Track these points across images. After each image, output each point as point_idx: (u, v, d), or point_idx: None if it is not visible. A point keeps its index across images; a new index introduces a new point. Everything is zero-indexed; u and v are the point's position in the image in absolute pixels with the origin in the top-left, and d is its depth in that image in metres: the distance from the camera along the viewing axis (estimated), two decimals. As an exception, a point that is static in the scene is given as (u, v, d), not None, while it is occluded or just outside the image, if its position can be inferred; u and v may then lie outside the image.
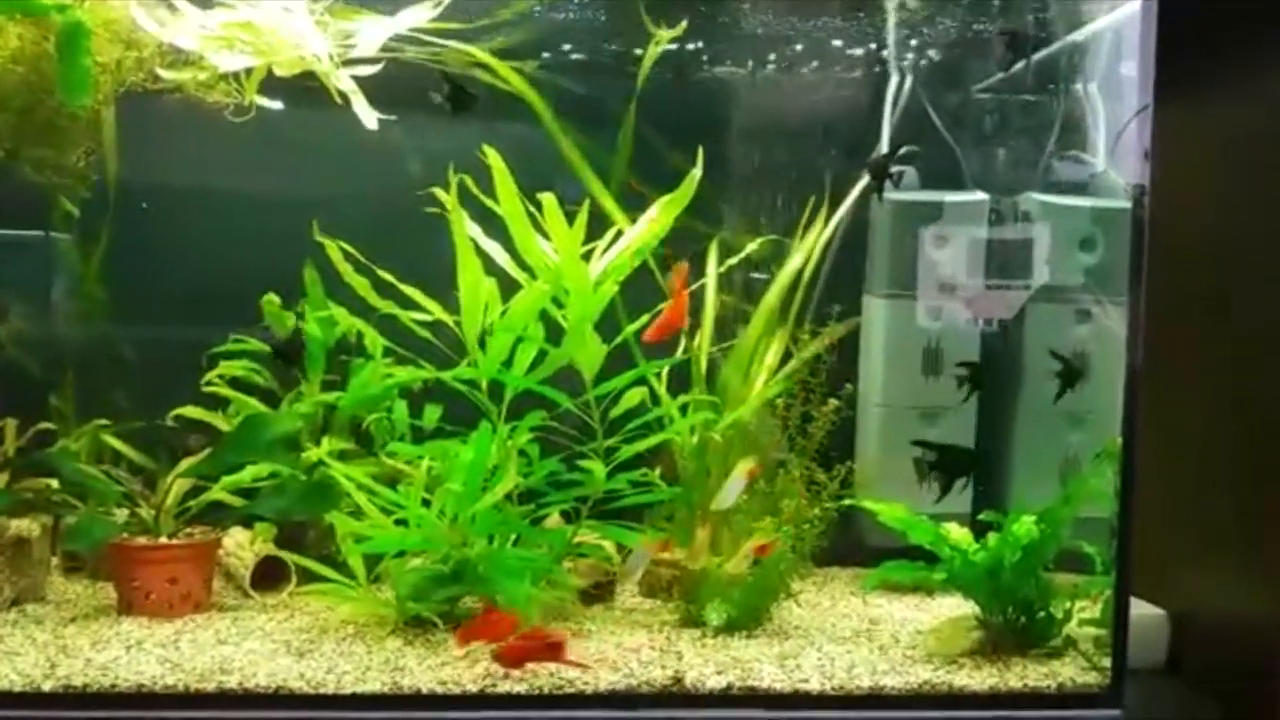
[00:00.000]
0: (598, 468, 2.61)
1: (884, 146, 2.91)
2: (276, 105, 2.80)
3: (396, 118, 2.77)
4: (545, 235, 2.67)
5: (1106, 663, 2.37)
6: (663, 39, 2.92)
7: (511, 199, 2.62)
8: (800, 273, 2.98)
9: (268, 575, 2.81)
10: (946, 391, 2.96)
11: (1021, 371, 3.01)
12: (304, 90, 2.74)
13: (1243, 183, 2.52)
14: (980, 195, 2.99)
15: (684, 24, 2.92)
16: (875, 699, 2.29)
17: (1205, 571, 2.58)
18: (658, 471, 2.83)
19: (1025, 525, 2.45)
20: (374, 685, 2.22)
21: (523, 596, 2.49)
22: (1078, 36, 2.99)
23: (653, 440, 2.74)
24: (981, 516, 2.57)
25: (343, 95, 2.72)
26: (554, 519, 2.87)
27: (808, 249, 3.00)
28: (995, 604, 2.48)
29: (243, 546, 2.88)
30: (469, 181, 2.62)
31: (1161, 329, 2.36)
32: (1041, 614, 2.48)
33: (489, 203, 2.64)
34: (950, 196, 2.98)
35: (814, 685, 2.29)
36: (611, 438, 2.70)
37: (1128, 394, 2.36)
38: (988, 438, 3.01)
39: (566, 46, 3.10)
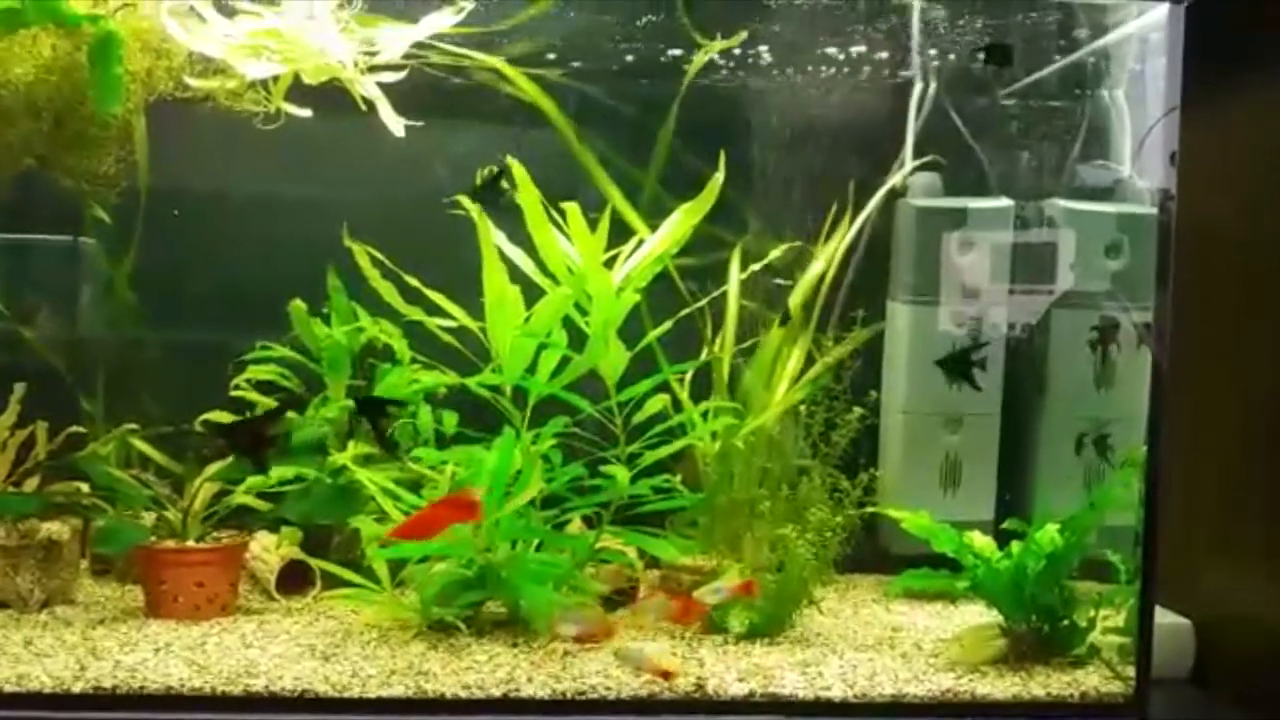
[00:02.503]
0: (621, 472, 2.62)
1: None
2: (304, 113, 2.82)
3: (422, 123, 2.79)
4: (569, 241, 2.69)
5: (1130, 672, 2.36)
6: (712, 48, 2.94)
7: (534, 206, 2.63)
8: (822, 278, 2.98)
9: (292, 579, 2.83)
10: (970, 398, 2.96)
11: (1046, 378, 2.99)
12: (327, 97, 2.77)
13: (1273, 186, 2.50)
14: (1005, 201, 2.98)
15: (744, 34, 2.92)
16: (898, 707, 2.28)
17: (1231, 580, 2.56)
18: (679, 477, 2.84)
19: (1049, 533, 2.44)
20: (398, 689, 2.24)
21: (544, 602, 2.51)
22: (1104, 42, 2.98)
23: (675, 446, 2.75)
24: (1005, 525, 2.56)
25: (368, 102, 2.74)
26: (576, 525, 2.88)
27: (830, 255, 3.00)
28: (1019, 612, 2.47)
29: (268, 550, 2.90)
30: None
31: (1187, 335, 2.35)
32: (1065, 622, 2.47)
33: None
34: (975, 203, 2.97)
35: (836, 693, 2.29)
36: (634, 443, 2.71)
37: (1153, 401, 2.34)
38: (1012, 444, 2.99)
39: (595, 52, 3.11)
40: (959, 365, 2.57)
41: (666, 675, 2.27)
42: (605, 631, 2.49)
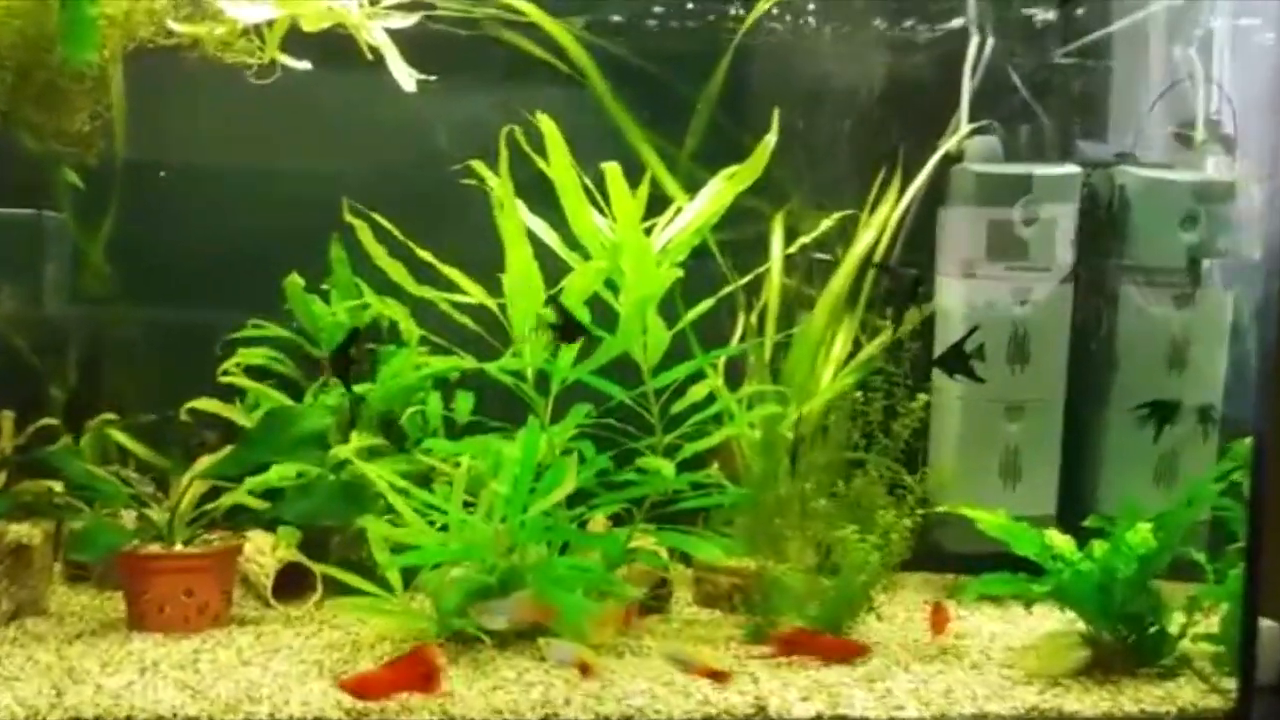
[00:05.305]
0: (666, 466, 2.37)
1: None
2: (303, 65, 2.56)
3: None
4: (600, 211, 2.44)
5: (1228, 684, 2.16)
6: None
7: (565, 170, 2.38)
8: (871, 251, 2.75)
9: (289, 583, 2.58)
10: (1033, 383, 2.73)
11: (1114, 359, 2.77)
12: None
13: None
14: (1072, 168, 2.75)
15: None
16: (980, 728, 2.07)
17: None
18: (714, 466, 2.61)
19: (1141, 533, 2.22)
20: (421, 714, 1.99)
21: (579, 610, 2.26)
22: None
23: (717, 436, 2.51)
24: (1087, 523, 2.34)
25: (375, 51, 2.48)
26: (599, 522, 2.63)
27: (879, 227, 2.76)
28: (1105, 619, 2.25)
29: (263, 552, 2.64)
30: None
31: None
32: (1154, 629, 2.26)
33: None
34: (1040, 169, 2.73)
35: (911, 712, 2.07)
36: (668, 434, 2.47)
37: (1261, 389, 2.13)
38: (1077, 432, 2.78)
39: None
40: (954, 361, 2.36)
41: (585, 670, 2.09)
42: (542, 615, 2.25)
